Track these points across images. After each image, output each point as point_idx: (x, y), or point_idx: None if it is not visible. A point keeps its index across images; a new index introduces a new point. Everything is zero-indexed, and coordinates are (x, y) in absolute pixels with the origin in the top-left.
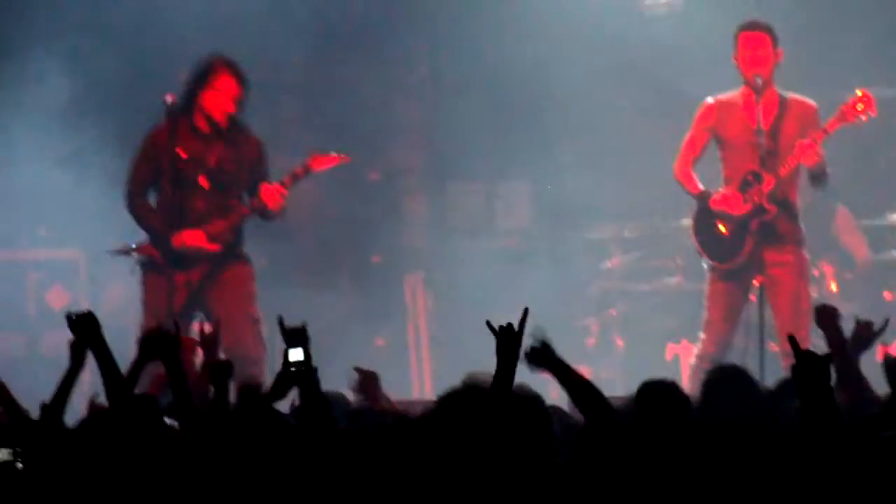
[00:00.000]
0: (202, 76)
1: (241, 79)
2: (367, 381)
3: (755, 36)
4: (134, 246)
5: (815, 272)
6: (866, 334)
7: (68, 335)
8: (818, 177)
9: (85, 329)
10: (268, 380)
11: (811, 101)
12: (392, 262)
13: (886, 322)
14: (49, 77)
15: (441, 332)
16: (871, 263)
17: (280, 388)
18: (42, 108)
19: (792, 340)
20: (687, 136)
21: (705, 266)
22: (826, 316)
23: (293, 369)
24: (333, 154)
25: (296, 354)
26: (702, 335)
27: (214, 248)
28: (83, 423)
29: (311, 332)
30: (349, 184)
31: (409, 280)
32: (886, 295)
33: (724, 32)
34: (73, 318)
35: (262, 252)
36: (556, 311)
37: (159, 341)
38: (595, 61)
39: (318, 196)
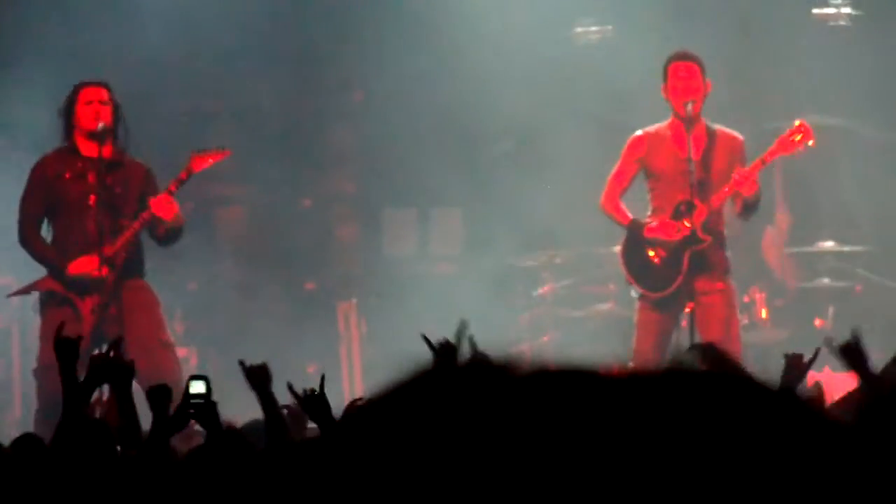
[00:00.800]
0: (69, 98)
1: (106, 86)
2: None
3: (685, 66)
4: (30, 284)
5: (746, 298)
6: (798, 367)
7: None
8: (751, 206)
9: (65, 352)
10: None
11: (738, 134)
12: (325, 289)
13: (817, 352)
14: None
15: (374, 359)
16: (795, 279)
17: (179, 420)
18: None
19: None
20: (615, 169)
21: (634, 294)
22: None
23: (193, 401)
24: (213, 150)
25: (197, 387)
26: (631, 364)
27: (105, 272)
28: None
29: (243, 357)
30: (282, 209)
31: (343, 306)
32: (817, 322)
33: (656, 61)
34: (59, 340)
35: (193, 276)
36: (488, 338)
37: (109, 367)
38: (528, 88)
39: (250, 221)
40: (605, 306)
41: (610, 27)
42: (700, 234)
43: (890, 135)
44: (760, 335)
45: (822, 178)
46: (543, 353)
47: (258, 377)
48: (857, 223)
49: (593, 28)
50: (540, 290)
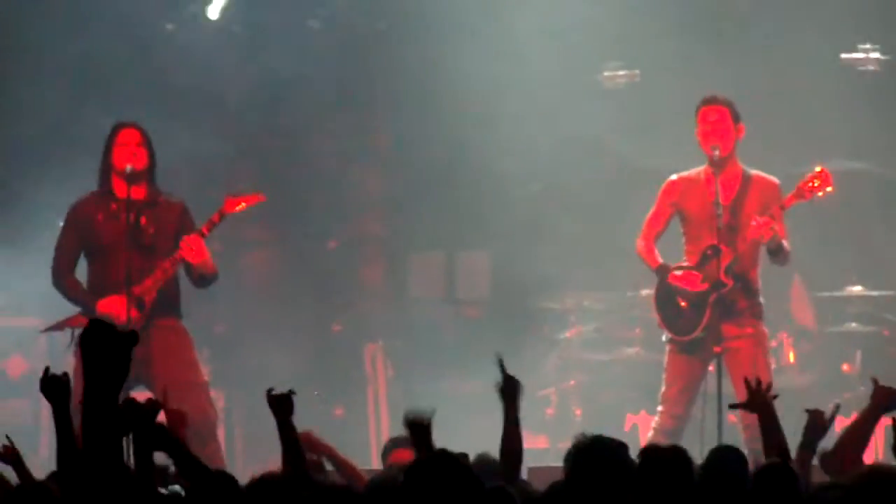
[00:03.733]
0: (107, 141)
1: (141, 129)
2: (311, 443)
3: (714, 110)
4: (63, 320)
5: (774, 343)
6: (819, 423)
7: (24, 404)
8: (776, 252)
9: (55, 392)
10: (222, 441)
11: (773, 178)
12: (352, 331)
13: (836, 408)
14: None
15: (400, 401)
16: (822, 324)
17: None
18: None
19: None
20: (650, 212)
21: (664, 338)
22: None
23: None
24: (247, 194)
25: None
26: (659, 408)
27: (134, 313)
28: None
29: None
30: (310, 252)
31: (369, 349)
32: (844, 367)
33: (685, 105)
34: (47, 378)
35: (221, 318)
36: None
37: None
38: (555, 132)
39: (278, 264)
40: (631, 350)
41: (637, 71)
42: (723, 278)
43: None
44: (788, 380)
45: (850, 222)
46: (569, 397)
47: (281, 406)
48: (885, 267)
49: (621, 72)
50: (567, 334)
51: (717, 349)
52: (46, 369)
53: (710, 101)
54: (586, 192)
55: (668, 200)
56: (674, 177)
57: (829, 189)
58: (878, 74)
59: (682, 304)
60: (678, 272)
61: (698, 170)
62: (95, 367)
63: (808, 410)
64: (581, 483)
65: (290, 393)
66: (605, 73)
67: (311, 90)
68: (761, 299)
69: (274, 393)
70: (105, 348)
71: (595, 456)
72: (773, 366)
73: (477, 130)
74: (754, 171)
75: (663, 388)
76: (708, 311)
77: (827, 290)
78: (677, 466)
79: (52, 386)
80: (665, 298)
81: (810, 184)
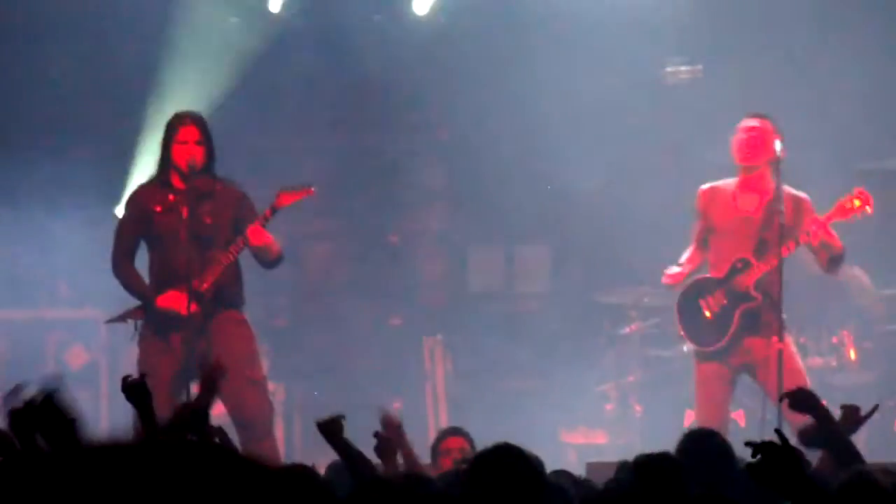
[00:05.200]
0: (167, 134)
1: (201, 124)
2: (386, 444)
3: (752, 124)
4: (126, 312)
5: (835, 339)
6: (854, 419)
7: (85, 394)
8: (837, 260)
9: (136, 395)
10: (279, 439)
11: (804, 195)
12: (411, 325)
13: (875, 408)
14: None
15: (460, 395)
16: (883, 315)
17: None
18: (61, 169)
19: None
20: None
21: (686, 350)
22: (801, 401)
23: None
24: (300, 188)
25: None
26: (694, 419)
27: (193, 307)
28: None
29: (330, 394)
30: (369, 246)
31: (428, 343)
32: None
33: (746, 100)
34: (127, 383)
35: (282, 311)
36: (574, 377)
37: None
38: (617, 127)
39: (337, 257)
40: (690, 346)
41: (700, 66)
42: (752, 293)
43: None
44: (849, 378)
45: None
46: (628, 393)
47: (332, 430)
48: None
49: (683, 67)
50: (626, 329)
51: (740, 360)
52: (125, 377)
53: (752, 115)
54: (648, 187)
55: (699, 210)
56: (704, 186)
57: (867, 210)
58: None
59: (708, 314)
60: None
61: (730, 180)
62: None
63: (843, 406)
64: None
65: (339, 417)
66: (668, 69)
67: (377, 86)
68: (785, 315)
69: (322, 421)
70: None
71: (496, 465)
72: (832, 364)
73: (538, 124)
74: (785, 186)
75: (696, 399)
76: (734, 323)
77: (890, 287)
78: (668, 475)
79: (135, 391)
80: (688, 309)
81: (850, 204)
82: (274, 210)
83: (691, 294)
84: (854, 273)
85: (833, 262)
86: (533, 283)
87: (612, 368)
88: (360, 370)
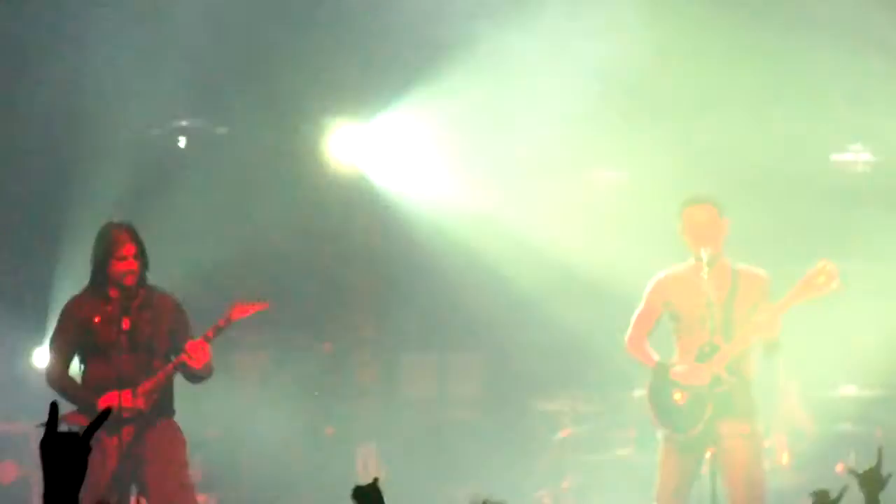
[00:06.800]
0: (104, 248)
1: (136, 238)
2: None
3: (701, 209)
4: (61, 417)
5: (768, 443)
6: None
7: None
8: (775, 348)
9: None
10: None
11: (762, 272)
12: (345, 433)
13: (844, 489)
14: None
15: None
16: (813, 431)
17: None
18: None
19: None
20: (639, 309)
21: (659, 436)
22: None
23: None
24: (254, 302)
25: None
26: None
27: (140, 404)
28: None
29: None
30: (302, 355)
31: (362, 450)
32: (839, 467)
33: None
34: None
35: (214, 420)
36: (508, 483)
37: None
38: (549, 228)
39: (270, 365)
40: (625, 451)
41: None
42: (724, 376)
43: None
44: (781, 480)
45: (839, 320)
46: (562, 498)
47: (372, 495)
48: (876, 368)
49: (607, 173)
50: (560, 434)
51: (710, 451)
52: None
53: (695, 200)
54: (577, 293)
55: (660, 300)
56: (661, 275)
57: (834, 286)
58: (867, 175)
59: (680, 401)
60: (678, 368)
61: (684, 266)
62: (56, 474)
63: (814, 493)
64: None
65: (375, 481)
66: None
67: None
68: (754, 396)
69: (362, 487)
70: (65, 456)
71: None
72: (765, 467)
73: (466, 236)
74: (741, 266)
75: (657, 488)
76: (708, 409)
77: (821, 389)
78: None
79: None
80: (660, 395)
81: (816, 280)
82: (229, 321)
83: (661, 381)
84: (789, 389)
85: (770, 348)
86: (466, 390)
87: (545, 474)
88: (294, 479)
